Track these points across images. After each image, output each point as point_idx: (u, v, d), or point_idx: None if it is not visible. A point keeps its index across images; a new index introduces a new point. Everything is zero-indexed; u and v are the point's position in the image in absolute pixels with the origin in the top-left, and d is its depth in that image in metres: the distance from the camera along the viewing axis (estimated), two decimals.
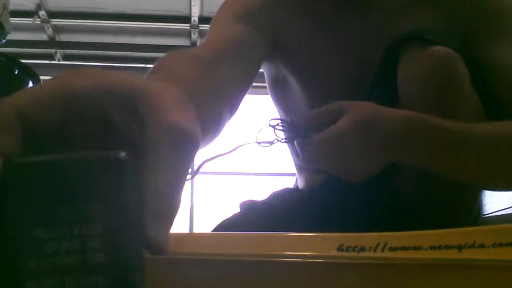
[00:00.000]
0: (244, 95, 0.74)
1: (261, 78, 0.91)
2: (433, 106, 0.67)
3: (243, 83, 0.74)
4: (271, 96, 0.94)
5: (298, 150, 0.67)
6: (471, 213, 0.80)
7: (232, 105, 0.68)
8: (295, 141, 0.68)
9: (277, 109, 0.94)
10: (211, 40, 0.74)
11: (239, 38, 0.74)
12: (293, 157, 0.96)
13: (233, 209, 0.86)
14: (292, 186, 1.00)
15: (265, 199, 0.87)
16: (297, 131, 0.67)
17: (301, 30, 0.85)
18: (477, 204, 0.81)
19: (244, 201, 0.86)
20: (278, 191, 0.90)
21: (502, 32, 0.78)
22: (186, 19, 3.81)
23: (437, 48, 0.68)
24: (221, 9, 0.83)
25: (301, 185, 0.94)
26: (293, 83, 0.88)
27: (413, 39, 0.71)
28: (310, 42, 0.85)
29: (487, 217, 0.87)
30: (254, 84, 0.79)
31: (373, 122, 0.64)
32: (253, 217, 0.80)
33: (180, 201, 0.27)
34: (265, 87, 0.95)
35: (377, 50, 0.76)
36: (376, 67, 0.77)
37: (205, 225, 3.79)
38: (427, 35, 0.70)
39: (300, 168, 0.95)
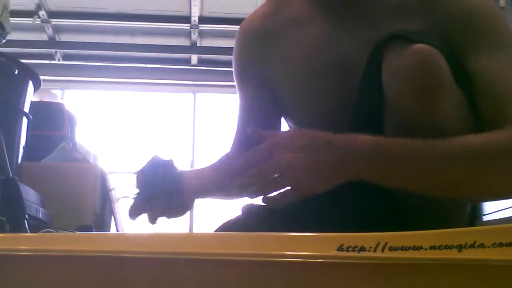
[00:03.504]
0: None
1: None
2: (416, 101, 0.69)
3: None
4: None
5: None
6: (464, 212, 0.80)
7: None
8: None
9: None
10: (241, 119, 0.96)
11: (255, 104, 0.94)
12: None
13: (233, 209, 0.86)
14: None
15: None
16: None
17: (286, 67, 0.89)
18: (469, 203, 0.81)
19: (245, 205, 0.86)
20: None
21: (487, 45, 0.78)
22: (186, 19, 3.82)
23: (419, 45, 0.69)
24: (233, 69, 0.98)
25: None
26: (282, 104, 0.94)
27: (396, 38, 0.72)
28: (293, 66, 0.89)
29: (487, 217, 0.87)
30: None
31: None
32: (254, 220, 0.80)
33: None
34: None
35: (361, 60, 0.77)
36: (362, 71, 0.78)
37: (205, 225, 3.79)
38: (409, 35, 0.71)
39: None
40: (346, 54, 0.83)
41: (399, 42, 0.71)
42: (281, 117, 0.95)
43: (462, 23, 0.79)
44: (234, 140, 0.96)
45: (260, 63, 0.92)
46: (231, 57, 0.97)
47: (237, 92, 0.97)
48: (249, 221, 0.80)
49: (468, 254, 0.42)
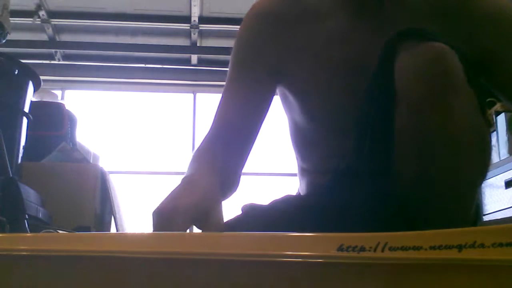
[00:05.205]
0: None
1: None
2: (427, 99, 0.68)
3: (258, 128, 0.91)
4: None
5: None
6: (469, 212, 0.80)
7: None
8: None
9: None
10: (228, 107, 0.90)
11: (249, 91, 0.89)
12: (296, 161, 0.97)
13: (233, 209, 0.86)
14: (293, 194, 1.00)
15: (267, 204, 0.88)
16: None
17: (300, 58, 0.87)
18: (474, 204, 0.81)
19: (246, 204, 0.86)
20: (280, 198, 0.90)
21: None
22: (186, 19, 3.82)
23: (433, 43, 0.69)
24: (232, 54, 0.93)
25: (303, 191, 0.95)
26: (291, 97, 0.92)
27: (410, 35, 0.72)
28: (307, 63, 0.87)
29: (487, 218, 0.87)
30: None
31: None
32: (254, 220, 0.80)
33: None
34: None
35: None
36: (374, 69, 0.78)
37: None
38: (423, 32, 0.72)
39: (302, 171, 0.95)
40: (363, 52, 0.83)
41: (412, 39, 0.71)
42: (268, 110, 0.91)
43: (488, 24, 0.81)
44: (215, 122, 0.90)
45: (272, 49, 0.89)
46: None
47: (231, 71, 0.91)
48: (249, 221, 0.80)
49: (468, 254, 0.42)
